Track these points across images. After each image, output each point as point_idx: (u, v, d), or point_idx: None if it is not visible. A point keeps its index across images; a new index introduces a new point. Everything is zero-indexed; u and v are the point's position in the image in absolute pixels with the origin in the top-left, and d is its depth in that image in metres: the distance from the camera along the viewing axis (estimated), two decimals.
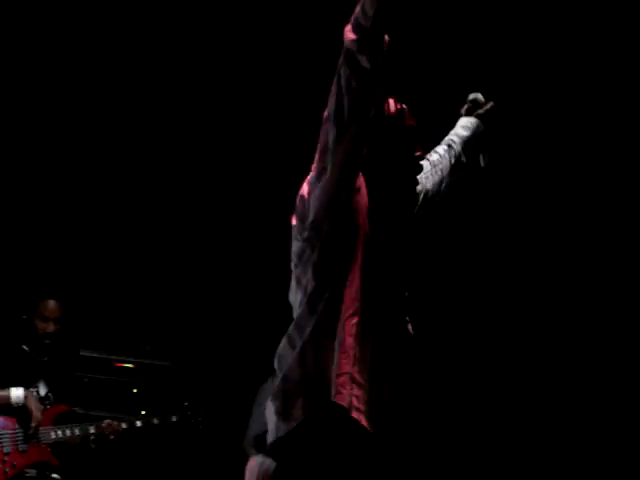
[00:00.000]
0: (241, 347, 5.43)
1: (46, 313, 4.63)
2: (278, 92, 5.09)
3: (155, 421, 4.65)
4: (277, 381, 2.69)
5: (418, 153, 2.80)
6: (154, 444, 5.04)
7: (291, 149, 4.94)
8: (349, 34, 2.58)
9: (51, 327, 4.61)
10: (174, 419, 4.70)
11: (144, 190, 5.46)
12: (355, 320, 2.63)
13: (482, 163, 3.06)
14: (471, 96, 3.13)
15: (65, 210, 5.39)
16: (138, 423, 4.62)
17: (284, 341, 2.71)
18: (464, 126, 3.10)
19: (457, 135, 3.08)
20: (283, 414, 2.63)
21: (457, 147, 3.05)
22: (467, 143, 3.06)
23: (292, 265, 2.76)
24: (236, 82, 5.16)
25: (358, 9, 2.58)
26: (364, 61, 2.56)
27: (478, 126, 3.09)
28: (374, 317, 2.66)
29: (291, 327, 2.70)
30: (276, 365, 2.71)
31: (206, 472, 5.21)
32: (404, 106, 2.82)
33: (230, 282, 5.53)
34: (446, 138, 3.08)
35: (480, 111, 3.11)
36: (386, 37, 2.61)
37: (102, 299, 5.44)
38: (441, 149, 3.06)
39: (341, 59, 2.59)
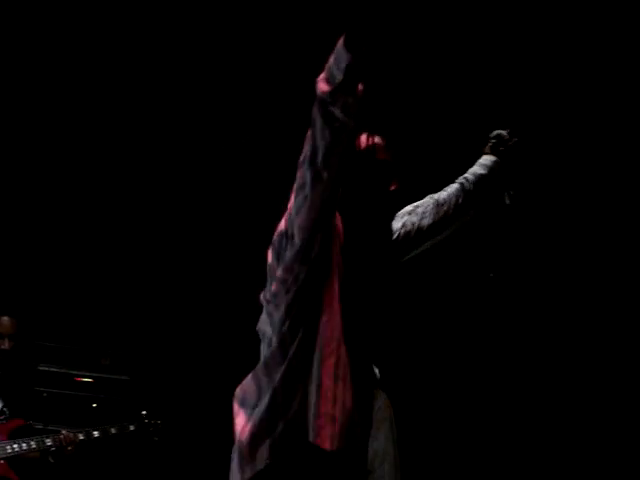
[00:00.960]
0: (199, 360, 5.44)
1: (0, 330, 4.65)
2: (273, 96, 5.11)
3: (113, 431, 4.63)
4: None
5: (393, 187, 2.79)
6: (112, 455, 5.02)
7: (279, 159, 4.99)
8: (322, 85, 2.59)
9: (5, 344, 4.63)
10: (132, 428, 4.68)
11: (102, 203, 5.47)
12: (333, 361, 2.60)
13: (507, 201, 2.96)
14: (494, 133, 3.04)
15: (18, 223, 5.38)
16: (96, 433, 4.60)
17: (250, 380, 2.69)
18: (482, 164, 3.01)
19: (473, 173, 3.00)
20: (249, 455, 2.61)
21: (469, 185, 2.98)
22: (481, 182, 2.98)
23: (263, 296, 2.75)
24: (232, 85, 5.18)
25: (331, 60, 2.59)
26: (337, 112, 2.57)
27: (497, 164, 3.00)
28: (353, 357, 2.65)
29: (259, 366, 2.68)
30: (238, 403, 2.69)
31: None
32: (377, 140, 2.82)
33: (188, 297, 5.52)
34: (461, 176, 3.01)
35: (502, 148, 3.02)
36: (359, 86, 2.62)
37: (61, 314, 5.44)
38: (451, 187, 2.99)
39: (315, 108, 2.60)
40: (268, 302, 2.71)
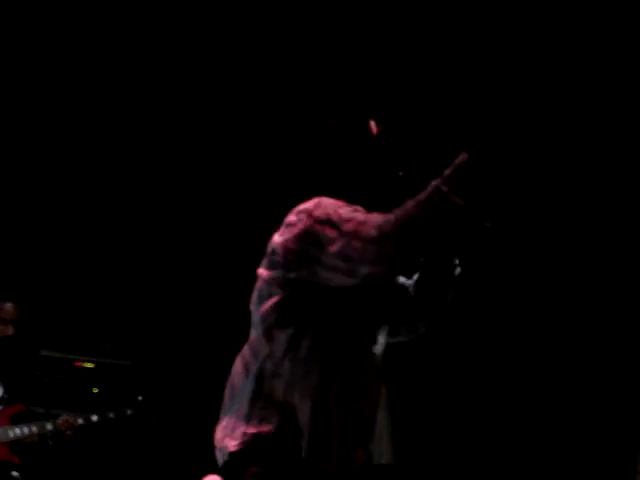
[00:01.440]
0: (200, 345, 5.49)
1: (3, 315, 4.71)
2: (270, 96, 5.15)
3: (111, 415, 4.70)
4: (230, 400, 2.72)
5: (400, 173, 2.78)
6: (111, 439, 5.09)
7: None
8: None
9: (9, 330, 4.69)
10: (129, 412, 4.75)
11: (100, 188, 5.51)
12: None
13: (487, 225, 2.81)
14: None
15: (19, 211, 5.43)
16: (94, 418, 4.67)
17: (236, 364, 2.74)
18: None
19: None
20: (233, 435, 2.66)
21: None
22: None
23: (253, 306, 2.76)
24: (232, 85, 5.22)
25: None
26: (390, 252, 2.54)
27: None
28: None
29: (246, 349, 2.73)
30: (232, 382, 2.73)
31: (162, 466, 5.26)
32: (385, 126, 2.81)
33: (189, 282, 5.57)
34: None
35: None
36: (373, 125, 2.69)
37: (62, 299, 5.49)
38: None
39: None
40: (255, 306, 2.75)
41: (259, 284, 2.75)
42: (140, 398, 4.81)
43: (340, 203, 2.65)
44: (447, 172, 2.55)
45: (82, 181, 5.51)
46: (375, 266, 2.54)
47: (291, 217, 2.69)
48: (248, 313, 2.78)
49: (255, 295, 2.75)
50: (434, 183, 2.54)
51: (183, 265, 5.54)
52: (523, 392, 5.16)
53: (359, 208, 2.64)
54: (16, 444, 4.56)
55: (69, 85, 5.27)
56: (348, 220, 2.58)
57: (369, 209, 2.65)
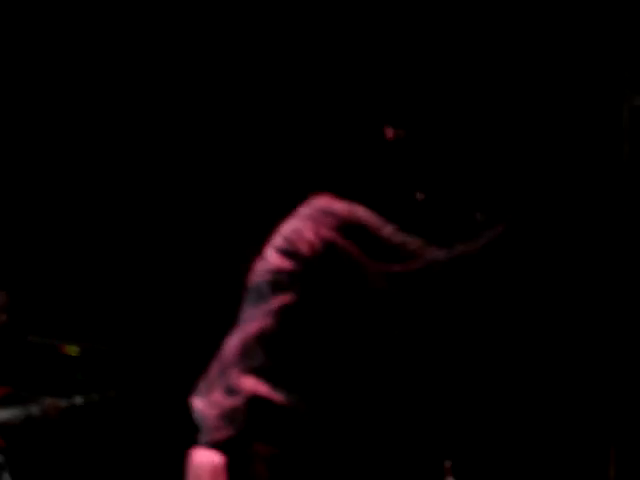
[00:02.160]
0: (184, 328, 5.51)
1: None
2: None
3: (95, 397, 4.73)
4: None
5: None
6: (94, 423, 5.11)
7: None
8: None
9: (3, 317, 4.74)
10: (113, 394, 4.78)
11: (83, 176, 5.51)
12: None
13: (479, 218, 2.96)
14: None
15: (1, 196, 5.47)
16: (78, 400, 4.71)
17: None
18: None
19: None
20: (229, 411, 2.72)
21: None
22: None
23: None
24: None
25: None
26: None
27: None
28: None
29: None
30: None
31: (145, 448, 5.28)
32: (402, 132, 2.84)
33: (168, 267, 5.58)
34: None
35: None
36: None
37: (47, 285, 5.51)
38: None
39: None
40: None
41: (274, 268, 2.77)
42: (123, 379, 4.85)
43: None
44: None
45: (61, 167, 5.52)
46: None
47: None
48: (230, 297, 2.80)
49: (270, 277, 2.77)
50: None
51: (166, 251, 5.55)
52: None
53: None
54: (1, 427, 4.61)
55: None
56: None
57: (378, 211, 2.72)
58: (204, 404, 2.77)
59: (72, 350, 5.38)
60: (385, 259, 2.69)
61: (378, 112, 2.85)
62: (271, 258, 2.76)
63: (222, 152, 5.35)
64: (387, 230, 2.69)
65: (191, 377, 5.01)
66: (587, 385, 4.82)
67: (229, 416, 2.74)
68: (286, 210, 2.82)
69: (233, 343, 2.78)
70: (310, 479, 2.74)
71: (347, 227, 2.69)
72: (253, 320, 2.75)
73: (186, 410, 4.24)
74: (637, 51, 4.67)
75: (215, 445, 2.72)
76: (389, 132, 2.80)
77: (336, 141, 2.88)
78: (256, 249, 2.85)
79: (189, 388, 4.57)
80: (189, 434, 3.72)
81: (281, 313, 2.70)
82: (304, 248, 2.69)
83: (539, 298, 4.82)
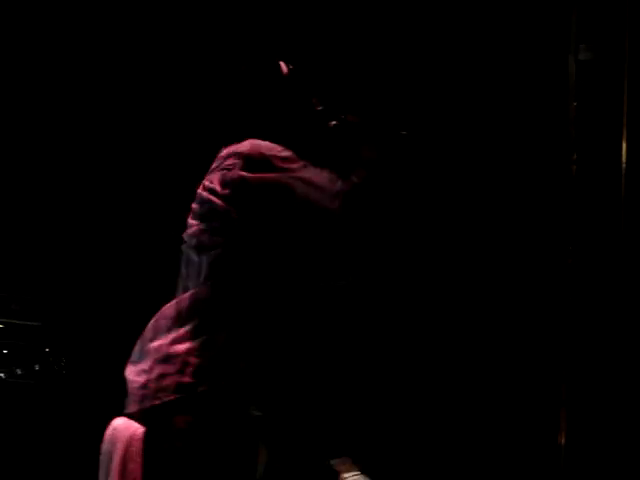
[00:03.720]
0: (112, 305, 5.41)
1: None
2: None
3: (18, 371, 4.63)
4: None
5: (318, 107, 2.85)
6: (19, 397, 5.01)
7: None
8: None
9: None
10: (37, 367, 4.69)
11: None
12: None
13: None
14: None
15: None
16: (1, 375, 4.60)
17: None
18: None
19: None
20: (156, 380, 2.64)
21: None
22: None
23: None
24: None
25: None
26: None
27: None
28: None
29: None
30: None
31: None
32: (294, 66, 2.88)
33: (101, 239, 5.49)
34: None
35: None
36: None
37: None
38: None
39: None
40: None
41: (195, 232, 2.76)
42: (47, 350, 4.75)
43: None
44: None
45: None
46: None
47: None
48: (157, 269, 2.77)
49: (194, 242, 2.75)
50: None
51: (95, 222, 5.46)
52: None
53: None
54: None
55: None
56: None
57: (288, 146, 2.73)
58: (133, 371, 2.72)
59: None
60: None
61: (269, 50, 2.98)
62: (190, 222, 2.82)
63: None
64: (295, 164, 2.73)
65: (118, 348, 4.95)
66: (534, 349, 4.80)
67: (155, 386, 2.68)
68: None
69: (168, 310, 2.76)
70: (227, 451, 2.70)
71: (252, 162, 2.71)
72: (186, 287, 2.76)
73: (112, 382, 4.14)
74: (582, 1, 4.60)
75: (134, 416, 2.70)
76: (284, 67, 2.88)
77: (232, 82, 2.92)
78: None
79: (116, 359, 4.51)
80: (117, 406, 3.58)
81: (210, 273, 2.71)
82: (217, 201, 2.74)
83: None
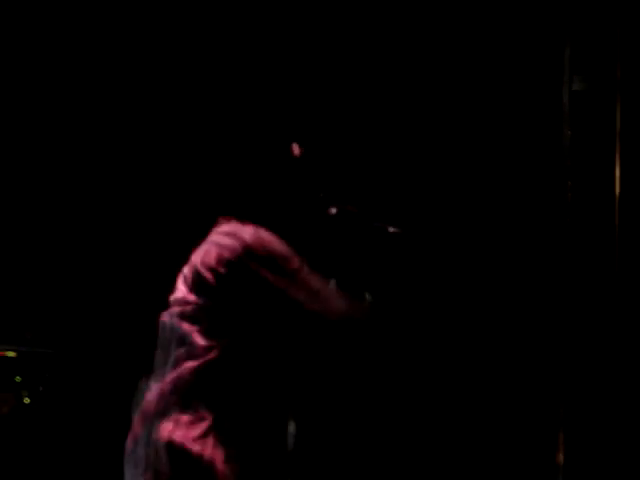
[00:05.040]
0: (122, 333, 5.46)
1: None
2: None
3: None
4: None
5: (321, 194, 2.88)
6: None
7: None
8: None
9: None
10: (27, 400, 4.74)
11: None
12: None
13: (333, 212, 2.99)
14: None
15: None
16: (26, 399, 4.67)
17: None
18: None
19: None
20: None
21: None
22: None
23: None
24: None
25: None
26: None
27: None
28: None
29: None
30: None
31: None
32: (306, 149, 2.90)
33: (110, 267, 5.53)
34: None
35: None
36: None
37: None
38: None
39: None
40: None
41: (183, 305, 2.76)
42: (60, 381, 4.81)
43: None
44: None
45: None
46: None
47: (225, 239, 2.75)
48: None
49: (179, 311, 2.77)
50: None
51: (106, 248, 5.50)
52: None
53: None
54: None
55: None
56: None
57: (290, 229, 2.77)
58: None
59: (9, 353, 5.32)
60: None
61: (281, 132, 2.94)
62: (179, 289, 2.82)
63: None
64: (294, 263, 2.73)
65: (126, 375, 5.00)
66: (531, 369, 4.84)
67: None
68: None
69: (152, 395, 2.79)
70: None
71: (254, 255, 2.71)
72: (165, 369, 2.77)
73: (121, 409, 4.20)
74: (576, 31, 4.68)
75: None
76: (295, 149, 2.87)
77: (241, 162, 2.95)
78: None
79: (124, 387, 4.55)
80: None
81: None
82: (209, 277, 2.71)
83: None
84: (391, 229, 2.83)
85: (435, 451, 4.91)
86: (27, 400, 4.74)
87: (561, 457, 4.54)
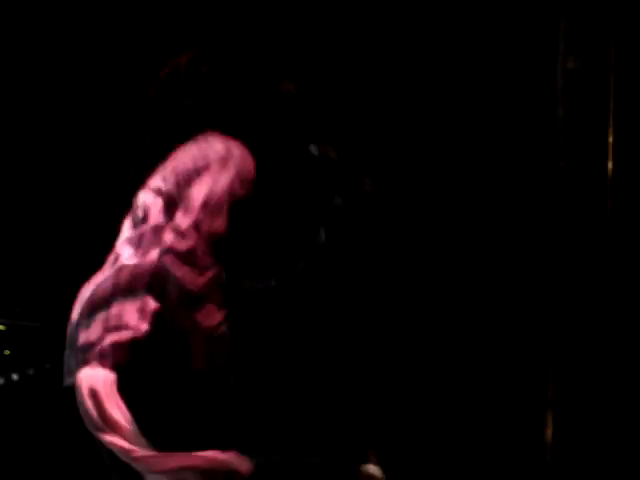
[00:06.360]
0: None
1: None
2: None
3: (30, 372, 4.68)
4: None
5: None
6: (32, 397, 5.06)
7: None
8: None
9: None
10: (49, 367, 4.73)
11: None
12: None
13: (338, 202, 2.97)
14: None
15: None
16: (14, 376, 4.66)
17: None
18: None
19: None
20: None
21: None
22: None
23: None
24: None
25: None
26: None
27: None
28: None
29: None
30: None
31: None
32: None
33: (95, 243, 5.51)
34: None
35: None
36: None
37: None
38: None
39: None
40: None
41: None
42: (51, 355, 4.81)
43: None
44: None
45: None
46: None
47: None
48: None
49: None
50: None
51: (97, 224, 5.49)
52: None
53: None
54: None
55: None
56: None
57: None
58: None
59: None
60: None
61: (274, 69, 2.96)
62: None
63: None
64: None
65: None
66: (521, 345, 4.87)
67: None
68: None
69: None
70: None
71: None
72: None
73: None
74: (570, 11, 4.68)
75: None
76: (286, 85, 2.91)
77: None
78: None
79: None
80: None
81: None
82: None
83: None
84: (367, 185, 2.84)
85: (421, 427, 4.94)
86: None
87: (549, 434, 4.58)
